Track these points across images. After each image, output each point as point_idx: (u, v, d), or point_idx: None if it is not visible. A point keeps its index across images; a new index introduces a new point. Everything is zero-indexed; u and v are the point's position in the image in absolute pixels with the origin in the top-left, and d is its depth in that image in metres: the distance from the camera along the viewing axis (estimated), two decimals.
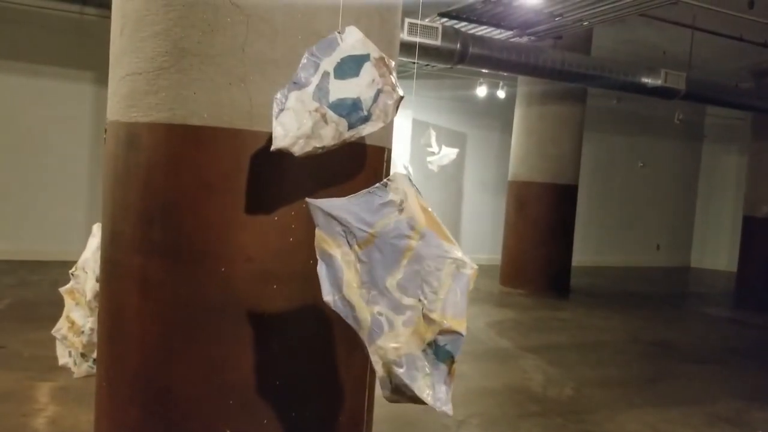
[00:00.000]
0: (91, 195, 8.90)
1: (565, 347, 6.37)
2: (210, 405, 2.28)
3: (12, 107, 8.65)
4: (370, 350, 1.89)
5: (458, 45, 7.36)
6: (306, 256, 2.30)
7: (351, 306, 1.88)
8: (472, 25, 8.04)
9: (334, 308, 1.90)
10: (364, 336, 1.90)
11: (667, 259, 14.28)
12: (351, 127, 2.02)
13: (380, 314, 1.88)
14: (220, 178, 2.22)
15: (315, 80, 1.96)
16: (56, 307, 3.13)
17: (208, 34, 2.18)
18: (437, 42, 7.12)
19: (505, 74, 9.01)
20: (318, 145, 1.99)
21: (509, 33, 8.19)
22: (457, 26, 7.83)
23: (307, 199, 1.92)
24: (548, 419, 4.31)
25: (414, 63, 8.82)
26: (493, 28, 8.14)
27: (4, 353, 4.73)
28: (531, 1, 6.90)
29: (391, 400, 1.93)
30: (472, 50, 7.45)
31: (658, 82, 8.51)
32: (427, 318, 1.88)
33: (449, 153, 8.52)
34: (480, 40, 7.60)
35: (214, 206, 2.24)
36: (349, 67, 1.99)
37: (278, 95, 1.95)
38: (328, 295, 1.89)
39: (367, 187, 1.95)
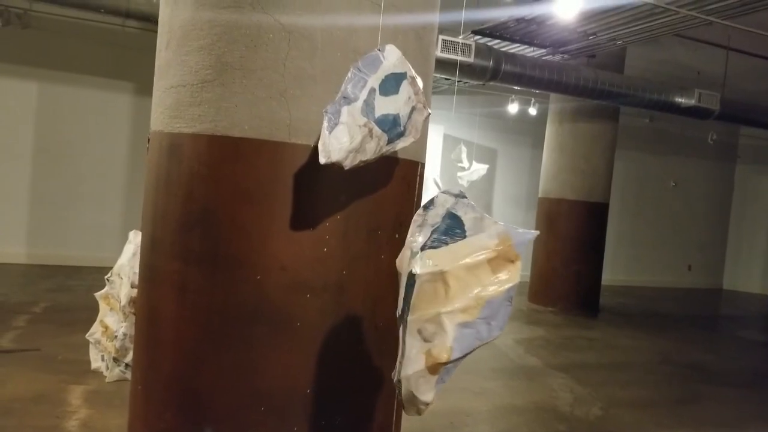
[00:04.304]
0: (128, 202, 9.07)
1: (593, 366, 6.31)
2: (241, 410, 2.32)
3: (53, 116, 8.86)
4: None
5: (491, 62, 7.40)
6: (340, 266, 2.35)
7: None
8: (505, 43, 8.09)
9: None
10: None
11: (699, 280, 14.04)
12: (389, 141, 2.07)
13: None
14: (259, 189, 2.28)
15: (363, 96, 2.01)
16: (91, 312, 3.19)
17: (251, 49, 2.25)
18: (470, 59, 7.16)
19: (537, 91, 9.00)
20: (363, 159, 2.04)
21: (542, 51, 8.22)
22: (490, 44, 7.88)
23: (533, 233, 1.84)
24: None
25: (446, 79, 8.90)
26: (525, 46, 8.17)
27: (39, 356, 4.83)
28: (564, 20, 6.91)
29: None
30: (504, 67, 7.49)
31: (692, 101, 8.44)
32: None
33: (479, 168, 8.57)
34: (513, 58, 7.63)
35: (252, 216, 2.29)
36: (391, 84, 2.04)
37: (329, 109, 1.99)
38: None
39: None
